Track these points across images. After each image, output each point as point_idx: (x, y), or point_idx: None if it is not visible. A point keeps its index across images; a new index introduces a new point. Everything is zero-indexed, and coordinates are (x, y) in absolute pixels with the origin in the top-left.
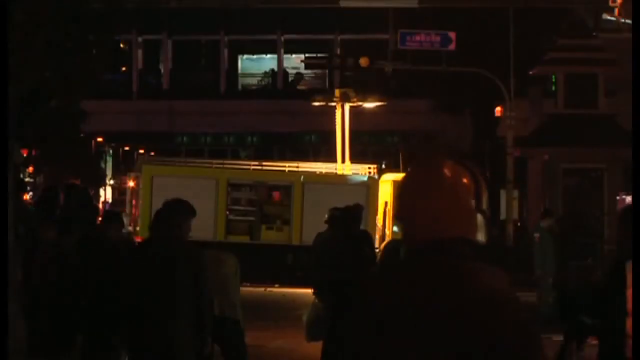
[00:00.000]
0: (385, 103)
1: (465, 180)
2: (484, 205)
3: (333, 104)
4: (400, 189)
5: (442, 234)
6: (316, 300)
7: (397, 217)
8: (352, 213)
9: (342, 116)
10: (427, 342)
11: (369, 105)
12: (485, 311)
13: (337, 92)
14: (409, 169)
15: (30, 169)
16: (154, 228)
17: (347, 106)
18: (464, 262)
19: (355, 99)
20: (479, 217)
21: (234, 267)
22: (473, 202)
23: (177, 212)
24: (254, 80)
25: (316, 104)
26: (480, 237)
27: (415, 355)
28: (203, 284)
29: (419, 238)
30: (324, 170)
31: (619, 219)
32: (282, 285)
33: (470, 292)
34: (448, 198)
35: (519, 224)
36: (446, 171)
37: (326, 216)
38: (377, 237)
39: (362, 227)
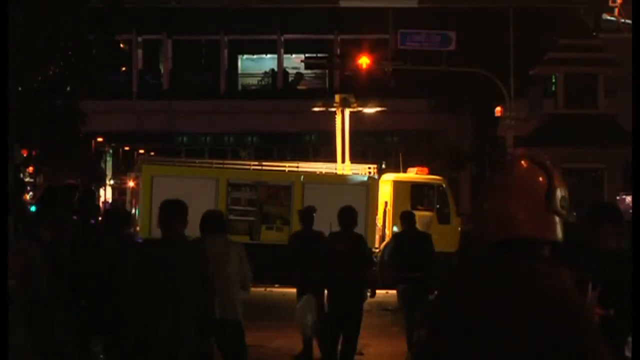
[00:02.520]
0: (385, 109)
1: (539, 179)
2: (558, 205)
3: (333, 109)
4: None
5: (510, 233)
6: (311, 299)
7: (473, 217)
8: (351, 213)
9: (342, 120)
10: (499, 342)
11: (369, 110)
12: (556, 313)
13: (337, 97)
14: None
15: (30, 169)
16: (163, 228)
17: (347, 111)
18: (535, 262)
19: (355, 104)
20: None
21: (238, 254)
22: (546, 201)
23: (179, 211)
24: (254, 80)
25: (316, 109)
26: (557, 236)
27: (489, 354)
28: (207, 284)
29: (490, 238)
30: (324, 170)
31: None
32: (282, 285)
33: (542, 293)
34: (516, 197)
35: None
36: (516, 171)
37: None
38: (377, 237)
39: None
